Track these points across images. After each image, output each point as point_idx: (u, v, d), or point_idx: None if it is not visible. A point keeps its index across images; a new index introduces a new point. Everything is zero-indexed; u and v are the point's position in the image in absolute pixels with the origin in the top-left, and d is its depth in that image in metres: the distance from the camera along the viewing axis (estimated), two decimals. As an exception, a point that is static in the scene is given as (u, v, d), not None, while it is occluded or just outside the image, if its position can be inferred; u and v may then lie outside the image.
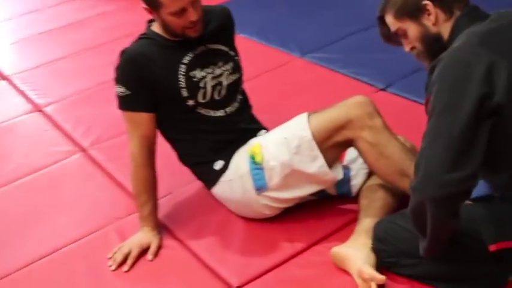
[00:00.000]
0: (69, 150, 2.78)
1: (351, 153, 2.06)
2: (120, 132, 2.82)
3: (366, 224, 1.88)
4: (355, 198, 2.07)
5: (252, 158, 1.98)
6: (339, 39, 3.43)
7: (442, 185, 1.40)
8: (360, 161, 2.07)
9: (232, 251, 2.00)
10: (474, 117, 1.39)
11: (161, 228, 2.12)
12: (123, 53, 2.06)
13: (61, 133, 2.96)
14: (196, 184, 2.31)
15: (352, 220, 1.99)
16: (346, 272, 1.80)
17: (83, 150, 2.77)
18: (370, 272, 1.68)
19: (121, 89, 2.05)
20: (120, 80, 2.06)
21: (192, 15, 1.93)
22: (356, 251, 1.79)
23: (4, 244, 2.23)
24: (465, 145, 1.39)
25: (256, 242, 2.02)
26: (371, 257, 1.76)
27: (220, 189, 2.09)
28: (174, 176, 2.31)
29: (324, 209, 2.08)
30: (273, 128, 2.11)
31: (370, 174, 2.05)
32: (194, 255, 2.01)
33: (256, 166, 1.96)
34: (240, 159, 2.03)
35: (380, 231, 1.79)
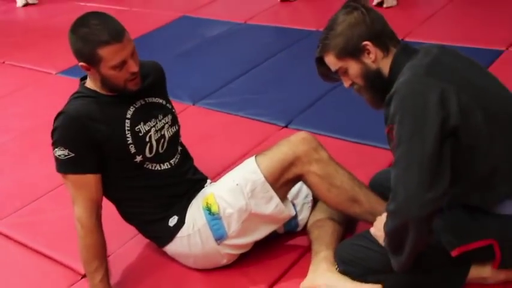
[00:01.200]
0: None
1: (291, 190, 2.13)
2: (26, 201, 2.70)
3: (322, 252, 1.98)
4: (300, 233, 2.17)
5: (208, 209, 1.99)
6: (225, 84, 3.55)
7: (424, 204, 1.54)
8: (302, 195, 2.18)
9: (198, 303, 1.99)
10: (438, 140, 1.55)
11: (113, 293, 2.05)
12: (62, 114, 1.97)
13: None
14: (135, 241, 2.27)
15: (303, 253, 2.09)
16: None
17: (-13, 227, 2.57)
18: (369, 285, 1.79)
19: (63, 152, 1.95)
20: (61, 142, 1.95)
21: (133, 67, 1.92)
22: (328, 279, 1.88)
23: None
24: (436, 165, 1.55)
25: (218, 289, 2.02)
26: (344, 277, 1.87)
27: (176, 245, 2.06)
28: (111, 236, 2.22)
29: (274, 247, 2.14)
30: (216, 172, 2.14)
31: (313, 207, 2.17)
32: (158, 315, 1.97)
33: (213, 217, 1.98)
34: (195, 213, 2.03)
35: (344, 253, 1.90)
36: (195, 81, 3.61)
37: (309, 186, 2.01)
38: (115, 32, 1.87)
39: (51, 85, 4.04)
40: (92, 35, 1.86)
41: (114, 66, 1.90)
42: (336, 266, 1.93)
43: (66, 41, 1.94)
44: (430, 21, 3.98)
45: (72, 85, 3.70)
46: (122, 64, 1.91)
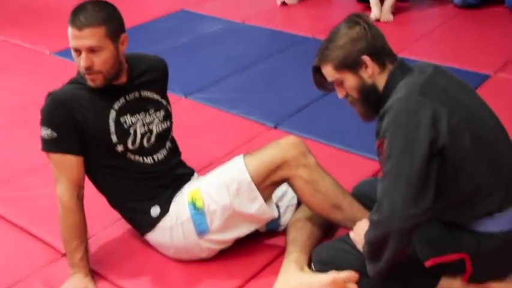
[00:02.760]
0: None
1: (277, 191, 2.17)
2: (11, 176, 2.71)
3: (294, 255, 2.03)
4: (281, 233, 2.21)
5: (193, 204, 2.03)
6: (219, 80, 3.59)
7: (407, 219, 1.61)
8: (288, 198, 2.23)
9: (174, 291, 2.03)
10: (426, 158, 1.62)
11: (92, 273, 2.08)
12: (50, 95, 2.04)
13: None
14: (118, 225, 2.31)
15: (281, 253, 2.13)
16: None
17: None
18: (343, 275, 1.85)
19: (47, 131, 2.00)
20: (46, 122, 2.01)
21: (83, 61, 1.94)
22: (298, 279, 1.94)
23: None
24: (422, 183, 1.62)
25: (197, 280, 2.06)
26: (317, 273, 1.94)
27: (158, 236, 2.11)
28: (94, 218, 2.26)
29: (254, 245, 2.19)
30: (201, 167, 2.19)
31: (296, 209, 2.22)
32: (136, 298, 2.01)
33: (198, 212, 2.02)
34: (180, 206, 2.07)
35: (322, 255, 1.96)
36: (189, 75, 3.65)
37: (294, 189, 2.06)
38: (82, 20, 1.91)
39: (44, 65, 4.04)
40: (71, 12, 1.94)
41: (72, 48, 1.96)
42: (312, 267, 1.99)
43: (64, 21, 1.98)
44: (424, 39, 4.07)
45: (65, 67, 3.77)
46: (76, 51, 1.95)
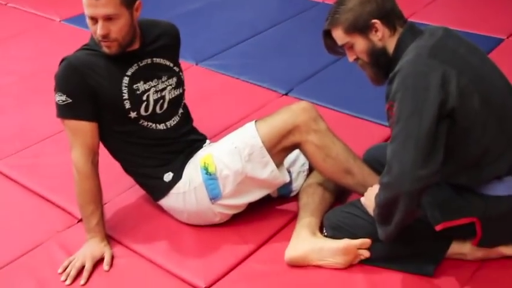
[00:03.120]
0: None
1: (288, 157, 2.19)
2: (27, 143, 2.76)
3: (306, 220, 2.06)
4: (293, 198, 2.25)
5: (205, 169, 2.06)
6: (230, 47, 3.59)
7: (416, 180, 1.63)
8: (299, 164, 2.25)
9: (189, 254, 2.07)
10: (435, 120, 1.63)
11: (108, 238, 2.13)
12: (64, 60, 2.05)
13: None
14: (132, 191, 2.35)
15: (293, 218, 2.16)
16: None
17: (-11, 167, 2.63)
18: (356, 242, 1.89)
19: (61, 97, 2.02)
20: (60, 88, 2.04)
21: (99, 30, 1.95)
22: (310, 244, 1.97)
23: None
24: (431, 144, 1.63)
25: (211, 244, 2.10)
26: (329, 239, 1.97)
27: (171, 201, 2.14)
28: (109, 185, 2.29)
29: (267, 211, 2.22)
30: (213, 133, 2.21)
31: (308, 176, 2.24)
32: (151, 262, 2.05)
33: (210, 177, 2.05)
34: (192, 171, 2.10)
35: (334, 219, 1.99)
36: (199, 42, 3.64)
37: (305, 154, 2.08)
38: None
39: (54, 32, 4.06)
40: None
41: (88, 17, 1.96)
42: (324, 232, 2.02)
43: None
44: (435, 4, 4.02)
45: (75, 34, 3.78)
46: (92, 20, 1.96)
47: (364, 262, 1.95)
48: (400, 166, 1.64)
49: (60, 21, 4.19)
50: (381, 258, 1.94)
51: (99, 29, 1.95)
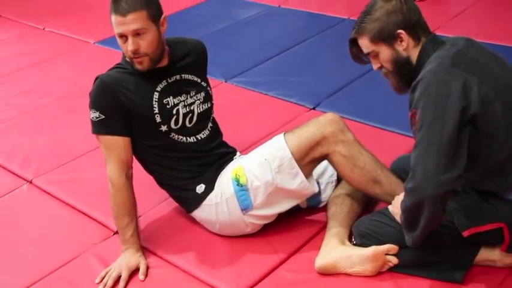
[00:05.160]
0: (13, 184, 2.72)
1: (317, 169, 2.23)
2: (63, 160, 2.86)
3: (335, 229, 2.10)
4: (322, 208, 2.29)
5: (237, 180, 2.12)
6: (257, 64, 3.67)
7: (440, 185, 1.67)
8: (328, 175, 2.30)
9: (221, 264, 2.12)
10: (457, 126, 1.67)
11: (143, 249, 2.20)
12: (98, 79, 2.15)
13: (-2, 168, 2.89)
14: (165, 204, 2.42)
15: (322, 228, 2.20)
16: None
17: (29, 181, 2.73)
18: (386, 246, 1.93)
19: (95, 114, 2.12)
20: (94, 105, 2.13)
21: (130, 45, 2.04)
22: (339, 252, 2.01)
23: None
24: (453, 150, 1.67)
25: (242, 254, 2.15)
26: (357, 247, 2.01)
27: (204, 212, 2.20)
28: (143, 198, 2.37)
29: (297, 221, 2.27)
30: (244, 147, 2.28)
31: (336, 186, 2.29)
32: (185, 272, 2.11)
33: (241, 188, 2.11)
34: (224, 183, 2.16)
35: (362, 228, 2.03)
36: (228, 60, 3.74)
37: (333, 165, 2.13)
38: (125, 6, 2.00)
39: (89, 53, 4.20)
40: (112, 1, 2.03)
41: (117, 35, 2.05)
42: (353, 240, 2.06)
43: (106, 11, 2.08)
44: (460, 17, 4.06)
45: (108, 55, 3.91)
46: (122, 37, 2.05)
47: (394, 269, 1.98)
48: (423, 171, 1.68)
49: (94, 43, 4.34)
50: (410, 265, 1.97)
51: (129, 45, 2.03)
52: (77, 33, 4.54)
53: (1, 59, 4.23)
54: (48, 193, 2.64)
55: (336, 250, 2.03)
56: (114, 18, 2.04)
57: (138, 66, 2.11)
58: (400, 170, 2.14)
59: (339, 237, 2.07)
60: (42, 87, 3.72)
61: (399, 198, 1.88)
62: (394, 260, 1.95)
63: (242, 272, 2.07)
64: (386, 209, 1.97)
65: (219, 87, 3.40)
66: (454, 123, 1.67)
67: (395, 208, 1.89)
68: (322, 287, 1.98)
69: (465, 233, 1.84)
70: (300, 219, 2.28)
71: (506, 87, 1.77)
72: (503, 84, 1.77)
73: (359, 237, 2.03)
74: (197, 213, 2.23)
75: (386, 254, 1.95)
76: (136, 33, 2.03)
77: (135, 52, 2.05)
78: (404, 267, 1.98)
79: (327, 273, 2.01)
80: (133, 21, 2.01)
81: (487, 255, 1.94)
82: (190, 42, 2.30)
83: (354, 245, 2.05)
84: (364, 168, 2.08)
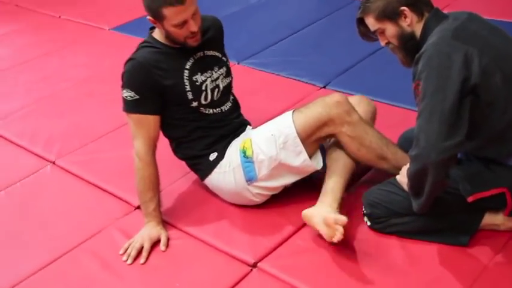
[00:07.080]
0: (37, 164, 2.85)
1: None
2: (84, 141, 2.97)
3: (330, 183, 2.18)
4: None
5: (243, 152, 2.23)
6: (269, 46, 3.76)
7: (442, 151, 1.75)
8: None
9: (238, 234, 2.23)
10: (458, 95, 1.75)
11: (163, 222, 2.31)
12: (131, 60, 2.23)
13: (21, 150, 3.01)
14: (183, 180, 2.53)
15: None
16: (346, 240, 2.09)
17: (52, 162, 2.85)
18: (334, 216, 1.99)
19: (130, 93, 2.20)
20: (128, 84, 2.21)
21: (193, 27, 2.14)
22: (320, 209, 2.10)
23: (6, 255, 2.30)
24: (454, 118, 1.75)
25: (257, 224, 2.27)
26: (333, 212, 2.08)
27: (214, 179, 2.32)
28: (163, 174, 2.44)
29: (308, 193, 2.33)
30: (257, 124, 2.38)
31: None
32: (203, 242, 2.22)
33: (247, 160, 2.21)
34: (233, 153, 2.27)
35: (371, 197, 2.12)
36: (240, 42, 3.83)
37: (341, 144, 2.21)
38: None
39: (104, 40, 4.31)
40: None
41: (175, 25, 2.12)
42: (363, 210, 2.15)
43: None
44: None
45: (123, 40, 4.02)
46: (183, 23, 2.12)
47: (403, 235, 2.08)
48: (426, 138, 1.77)
49: (109, 29, 4.44)
50: (418, 231, 2.07)
51: (192, 26, 2.12)
52: (92, 20, 4.65)
53: (20, 47, 4.36)
54: (70, 173, 2.76)
55: (319, 207, 2.11)
56: (172, 10, 2.07)
57: (193, 44, 2.20)
58: (408, 142, 2.22)
59: (333, 194, 2.14)
60: (60, 73, 3.83)
61: (406, 168, 1.97)
62: (340, 230, 1.95)
63: (258, 241, 2.18)
64: (394, 179, 2.06)
65: (232, 68, 3.42)
66: (455, 93, 1.75)
67: (403, 177, 1.98)
68: (335, 252, 2.08)
69: (470, 199, 1.93)
70: (312, 192, 2.36)
71: (506, 58, 1.85)
72: (503, 55, 1.85)
73: (368, 206, 2.13)
74: (209, 181, 2.35)
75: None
76: (193, 14, 2.12)
77: (195, 31, 2.14)
78: (413, 233, 2.07)
79: (307, 222, 2.14)
80: (190, 4, 2.10)
81: (491, 219, 2.03)
82: (208, 19, 2.38)
83: (364, 214, 2.15)
84: (370, 147, 2.17)
